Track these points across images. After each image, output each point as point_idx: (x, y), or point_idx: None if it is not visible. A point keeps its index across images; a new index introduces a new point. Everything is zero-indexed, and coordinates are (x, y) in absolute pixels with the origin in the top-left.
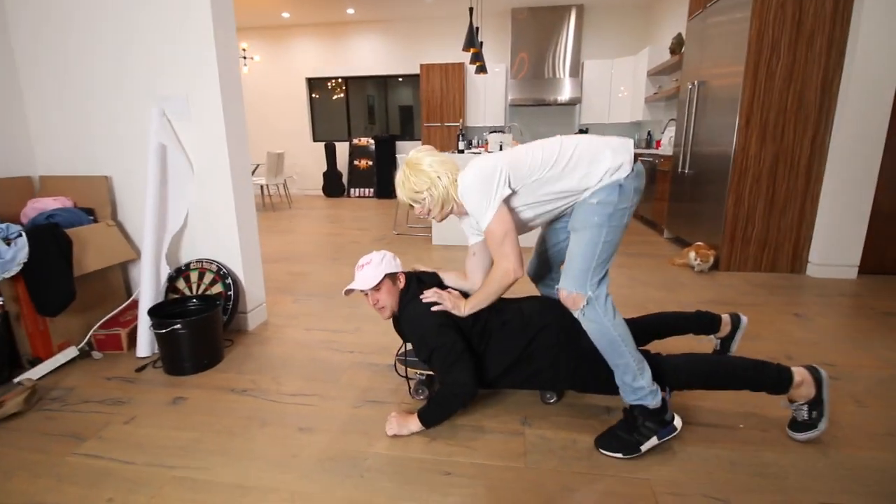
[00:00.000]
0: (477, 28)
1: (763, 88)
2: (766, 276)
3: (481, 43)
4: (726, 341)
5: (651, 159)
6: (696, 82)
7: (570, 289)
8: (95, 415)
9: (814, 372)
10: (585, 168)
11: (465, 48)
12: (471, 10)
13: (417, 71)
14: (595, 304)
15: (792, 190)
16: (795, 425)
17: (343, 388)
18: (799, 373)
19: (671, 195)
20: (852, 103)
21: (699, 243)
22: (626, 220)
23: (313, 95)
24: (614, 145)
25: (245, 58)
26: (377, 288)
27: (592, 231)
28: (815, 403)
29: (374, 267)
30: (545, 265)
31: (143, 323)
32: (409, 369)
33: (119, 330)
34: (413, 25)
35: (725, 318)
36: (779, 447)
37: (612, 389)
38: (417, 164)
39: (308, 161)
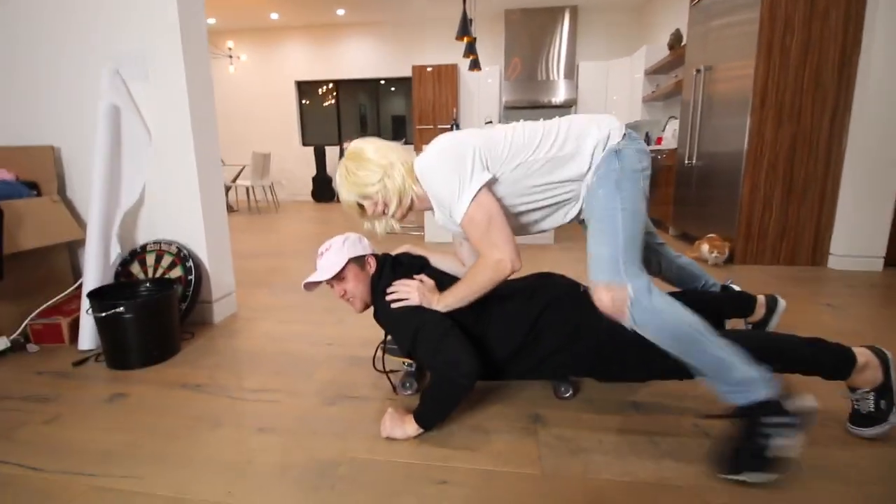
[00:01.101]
0: (471, 20)
1: (777, 66)
2: (786, 268)
3: (475, 38)
4: (759, 327)
5: (653, 155)
6: (702, 67)
7: (603, 278)
8: (12, 413)
9: (879, 353)
10: (574, 145)
11: (459, 37)
12: None
13: (409, 73)
14: (640, 301)
15: (811, 175)
16: (860, 419)
17: (316, 382)
18: (862, 353)
19: (676, 190)
20: (873, 82)
21: (712, 235)
22: (641, 183)
23: (303, 101)
24: (598, 119)
25: (231, 56)
26: (341, 277)
27: (604, 204)
28: (884, 391)
29: (335, 252)
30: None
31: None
32: (394, 360)
33: (59, 319)
34: (405, 27)
35: (761, 299)
36: (849, 447)
37: (642, 376)
38: (361, 154)
39: (296, 165)
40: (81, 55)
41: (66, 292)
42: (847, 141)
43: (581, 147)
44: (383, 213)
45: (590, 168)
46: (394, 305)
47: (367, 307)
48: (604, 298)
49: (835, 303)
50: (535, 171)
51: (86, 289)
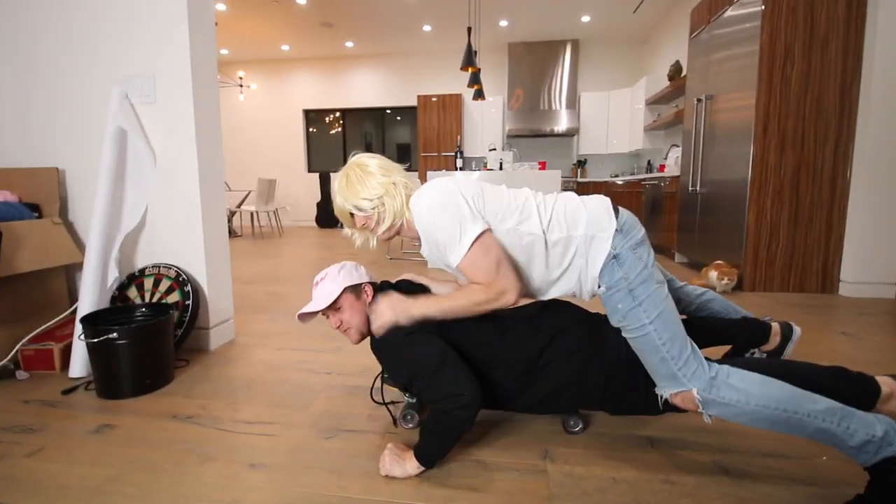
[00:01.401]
0: (475, 51)
1: (779, 95)
2: (796, 296)
3: (479, 69)
4: (774, 356)
5: (656, 182)
6: (703, 97)
7: (671, 390)
8: None
9: None
10: (559, 236)
11: (464, 66)
12: (469, 29)
13: (415, 103)
14: (708, 400)
15: (817, 202)
16: None
17: (313, 415)
18: (886, 383)
19: (681, 217)
20: (874, 109)
21: (719, 262)
22: (650, 277)
23: (310, 129)
24: (588, 214)
25: (241, 85)
26: (337, 307)
27: (631, 322)
28: None
29: (330, 281)
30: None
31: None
32: (394, 390)
33: (52, 345)
34: (411, 59)
35: (775, 327)
36: None
37: (654, 410)
38: (366, 167)
39: (302, 191)
40: (90, 77)
41: (60, 317)
42: (852, 169)
43: (567, 238)
44: (372, 229)
45: (568, 266)
46: (373, 327)
47: (363, 338)
48: (678, 404)
49: (850, 331)
50: (520, 243)
51: (80, 313)
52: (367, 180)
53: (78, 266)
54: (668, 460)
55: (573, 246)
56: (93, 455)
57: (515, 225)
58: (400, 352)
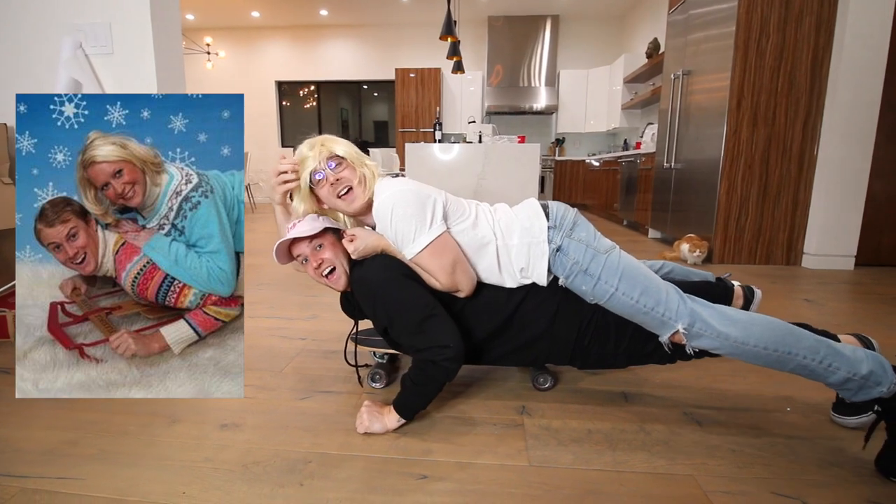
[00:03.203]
0: (455, 21)
1: (753, 68)
2: (763, 267)
3: (458, 40)
4: None
5: (632, 159)
6: (681, 71)
7: (667, 334)
8: None
9: (864, 341)
10: (502, 240)
11: (443, 36)
12: None
13: (392, 77)
14: (696, 332)
15: (785, 176)
16: (844, 407)
17: (286, 377)
18: (848, 341)
19: (655, 193)
20: (843, 85)
21: (691, 235)
22: (596, 251)
23: (283, 102)
24: (520, 222)
25: (209, 52)
26: (319, 243)
27: (598, 295)
28: None
29: (310, 220)
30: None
31: None
32: (363, 351)
33: (5, 312)
34: (389, 31)
35: (738, 290)
36: (839, 433)
37: (621, 362)
38: (348, 142)
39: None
40: (40, 25)
41: (13, 283)
42: (819, 145)
43: (506, 246)
44: (346, 192)
45: (510, 269)
46: (354, 245)
47: (347, 285)
48: (677, 341)
49: (812, 298)
50: (474, 244)
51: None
52: (350, 147)
53: None
54: (642, 412)
55: (512, 252)
56: (50, 420)
57: (471, 227)
58: (387, 291)
